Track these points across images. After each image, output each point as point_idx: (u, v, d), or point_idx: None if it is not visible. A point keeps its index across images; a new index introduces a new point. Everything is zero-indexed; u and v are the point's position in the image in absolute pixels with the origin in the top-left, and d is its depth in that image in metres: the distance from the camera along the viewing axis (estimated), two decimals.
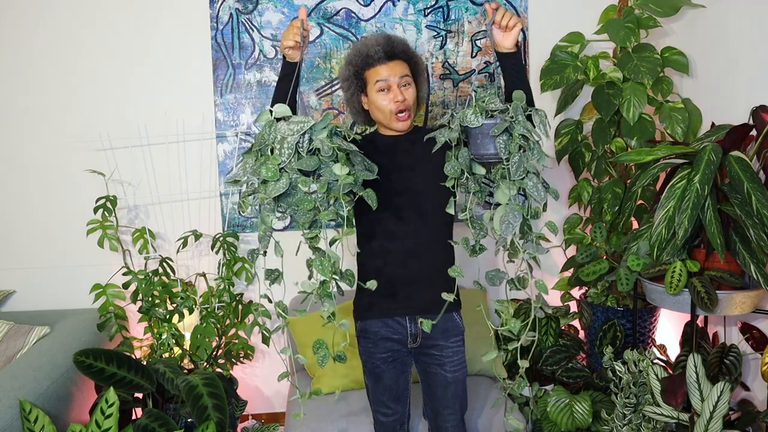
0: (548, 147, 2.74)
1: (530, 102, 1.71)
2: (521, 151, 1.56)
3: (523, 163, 1.56)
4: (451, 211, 1.73)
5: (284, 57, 1.74)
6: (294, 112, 1.61)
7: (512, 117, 1.57)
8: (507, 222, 1.57)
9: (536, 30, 2.83)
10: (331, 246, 1.59)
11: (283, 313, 1.66)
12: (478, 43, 2.82)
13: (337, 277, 1.57)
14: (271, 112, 1.55)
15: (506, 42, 1.71)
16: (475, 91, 1.66)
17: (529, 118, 1.60)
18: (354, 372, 2.45)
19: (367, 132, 1.97)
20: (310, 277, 1.63)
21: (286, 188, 1.49)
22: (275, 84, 1.78)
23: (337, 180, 1.53)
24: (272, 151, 1.52)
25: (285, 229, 2.76)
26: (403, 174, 1.82)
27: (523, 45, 2.84)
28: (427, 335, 1.87)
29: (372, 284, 1.64)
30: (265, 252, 1.61)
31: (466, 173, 1.69)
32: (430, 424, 2.03)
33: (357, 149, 1.61)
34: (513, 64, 1.75)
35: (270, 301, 1.73)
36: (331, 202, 1.57)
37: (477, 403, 2.35)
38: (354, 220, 1.89)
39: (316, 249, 1.62)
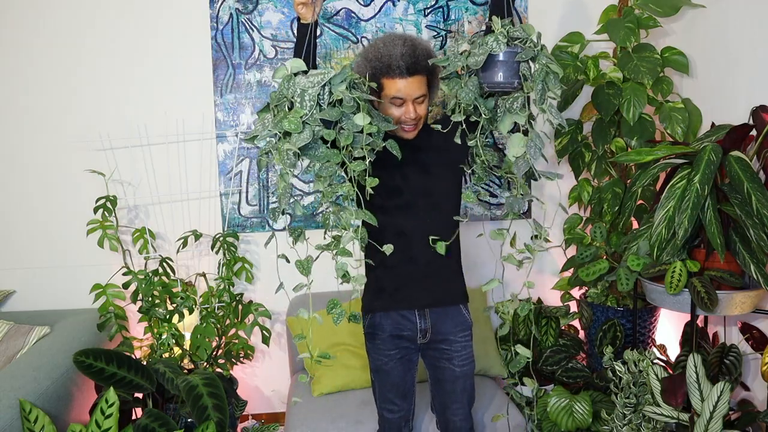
0: (546, 140, 2.75)
1: None
2: (544, 79, 1.58)
3: (546, 91, 1.58)
4: (458, 141, 1.72)
5: (299, 20, 1.72)
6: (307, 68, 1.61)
7: (535, 45, 1.59)
8: (534, 146, 1.60)
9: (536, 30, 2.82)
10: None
11: (305, 271, 1.62)
12: None
13: (358, 236, 1.62)
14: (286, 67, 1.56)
15: None
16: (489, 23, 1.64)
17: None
18: (354, 371, 2.45)
19: None
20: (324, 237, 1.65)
21: (310, 139, 1.50)
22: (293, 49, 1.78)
23: (360, 131, 1.54)
24: (290, 106, 1.53)
25: (285, 229, 2.76)
26: (410, 170, 1.83)
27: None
28: (437, 329, 1.88)
29: (388, 248, 1.66)
30: (281, 213, 1.62)
31: (474, 104, 1.68)
32: (438, 417, 2.03)
33: (375, 98, 1.63)
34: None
35: (288, 261, 1.73)
36: (353, 157, 1.58)
37: (480, 401, 2.34)
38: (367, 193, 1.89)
39: (339, 204, 1.65)
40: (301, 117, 1.49)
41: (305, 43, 1.71)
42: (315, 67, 1.75)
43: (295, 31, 1.76)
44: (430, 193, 1.85)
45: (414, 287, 1.86)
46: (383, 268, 1.85)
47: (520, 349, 1.82)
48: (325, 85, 1.52)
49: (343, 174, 1.63)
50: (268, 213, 1.65)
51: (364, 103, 1.54)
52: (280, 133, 1.51)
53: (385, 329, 1.88)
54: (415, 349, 1.93)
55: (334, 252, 1.61)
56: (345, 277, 1.62)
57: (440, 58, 1.72)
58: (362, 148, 1.55)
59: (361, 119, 1.52)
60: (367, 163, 1.56)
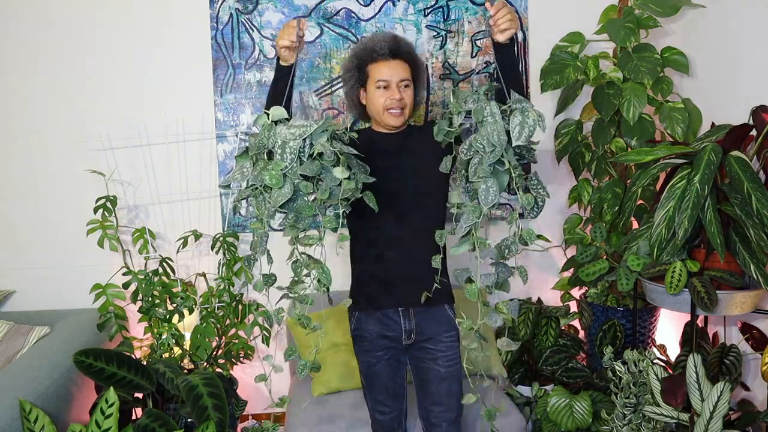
0: (546, 140, 2.73)
1: (521, 92, 1.66)
2: (478, 154, 1.50)
3: (480, 166, 1.49)
4: (445, 168, 1.70)
5: (278, 59, 1.73)
6: (288, 115, 1.59)
7: (468, 122, 1.58)
8: (488, 189, 1.51)
9: (536, 30, 2.82)
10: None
11: (276, 318, 1.59)
12: (478, 43, 2.82)
13: (328, 288, 1.55)
14: (267, 115, 1.53)
15: (499, 37, 1.69)
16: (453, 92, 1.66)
17: (511, 112, 1.52)
18: (353, 372, 2.45)
19: (363, 128, 1.96)
20: (295, 281, 1.58)
21: (290, 195, 1.47)
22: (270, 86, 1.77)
23: (338, 184, 1.50)
24: (270, 156, 1.49)
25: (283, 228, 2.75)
26: (396, 170, 1.83)
27: (524, 45, 2.83)
28: (422, 330, 1.88)
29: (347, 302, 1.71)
30: (259, 255, 1.57)
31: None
32: (423, 426, 2.01)
33: (356, 152, 1.58)
34: (505, 55, 1.74)
35: (266, 343, 1.70)
36: (328, 206, 1.55)
37: (476, 405, 2.34)
38: (346, 220, 1.89)
39: (309, 256, 1.58)
40: (281, 170, 1.45)
41: (285, 84, 1.71)
42: (290, 110, 1.73)
43: (275, 71, 1.75)
44: (417, 197, 1.84)
45: (398, 287, 1.86)
46: (367, 269, 1.87)
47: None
48: (306, 137, 1.48)
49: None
50: (245, 261, 1.62)
51: (344, 156, 1.51)
52: (260, 186, 1.48)
53: (370, 330, 1.89)
54: (402, 350, 1.93)
55: (295, 300, 1.55)
56: (305, 324, 1.57)
57: (436, 127, 1.72)
58: (338, 203, 1.51)
59: (340, 173, 1.49)
60: (341, 216, 1.52)
